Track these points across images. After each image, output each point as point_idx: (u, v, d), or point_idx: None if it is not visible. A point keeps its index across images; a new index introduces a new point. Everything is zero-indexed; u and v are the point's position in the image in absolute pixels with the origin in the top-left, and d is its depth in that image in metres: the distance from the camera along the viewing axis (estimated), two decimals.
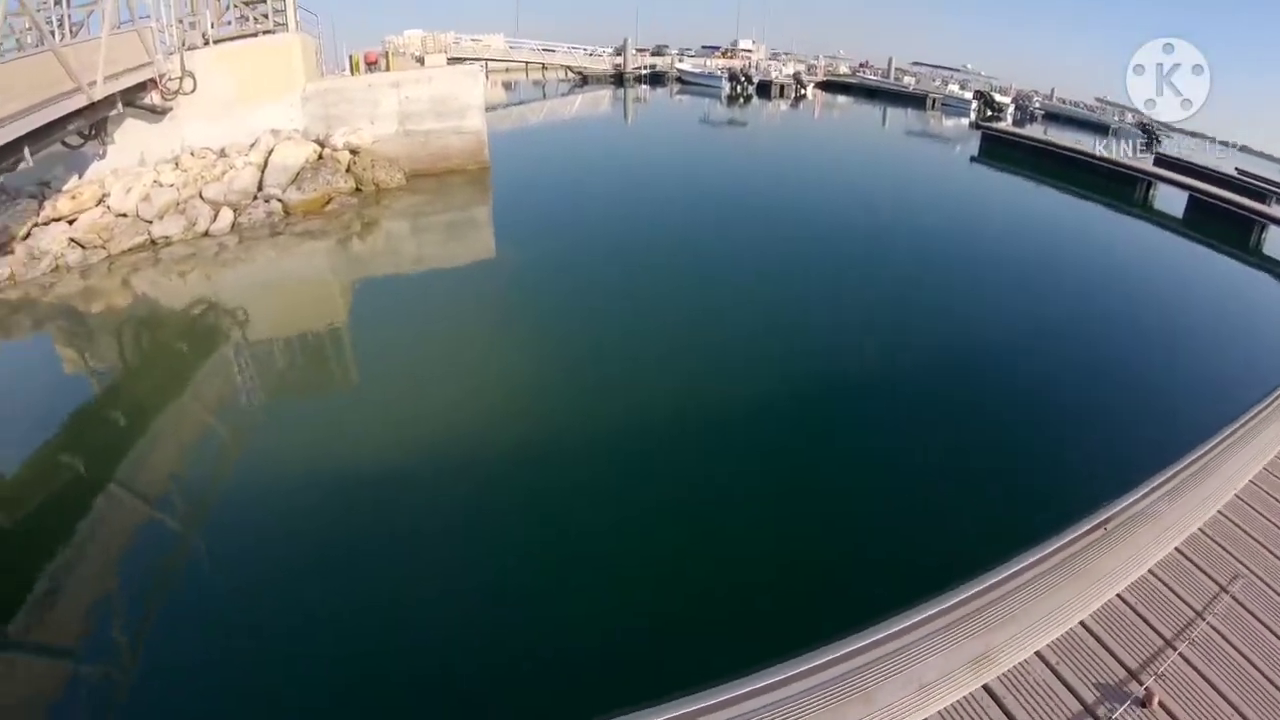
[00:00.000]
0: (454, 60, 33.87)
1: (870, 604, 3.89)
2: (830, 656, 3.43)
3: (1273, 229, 20.21)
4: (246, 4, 19.14)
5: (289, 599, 5.55)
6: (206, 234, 14.41)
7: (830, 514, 6.65)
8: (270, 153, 16.43)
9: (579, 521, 6.31)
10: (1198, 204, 22.18)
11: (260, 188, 15.80)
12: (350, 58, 23.01)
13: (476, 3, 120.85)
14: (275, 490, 7.01)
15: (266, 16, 18.70)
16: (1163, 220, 22.08)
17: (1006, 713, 3.22)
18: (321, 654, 5.07)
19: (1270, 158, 43.02)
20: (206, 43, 16.82)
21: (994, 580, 3.95)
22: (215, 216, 14.64)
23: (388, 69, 21.94)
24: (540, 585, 5.61)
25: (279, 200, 15.69)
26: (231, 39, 17.86)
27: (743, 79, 52.28)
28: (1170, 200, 23.08)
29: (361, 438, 7.88)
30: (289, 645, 5.17)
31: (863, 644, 3.51)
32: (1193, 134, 52.73)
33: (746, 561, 5.90)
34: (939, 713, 3.19)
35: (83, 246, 13.27)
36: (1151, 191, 24.51)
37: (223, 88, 16.40)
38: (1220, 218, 20.82)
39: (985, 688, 3.32)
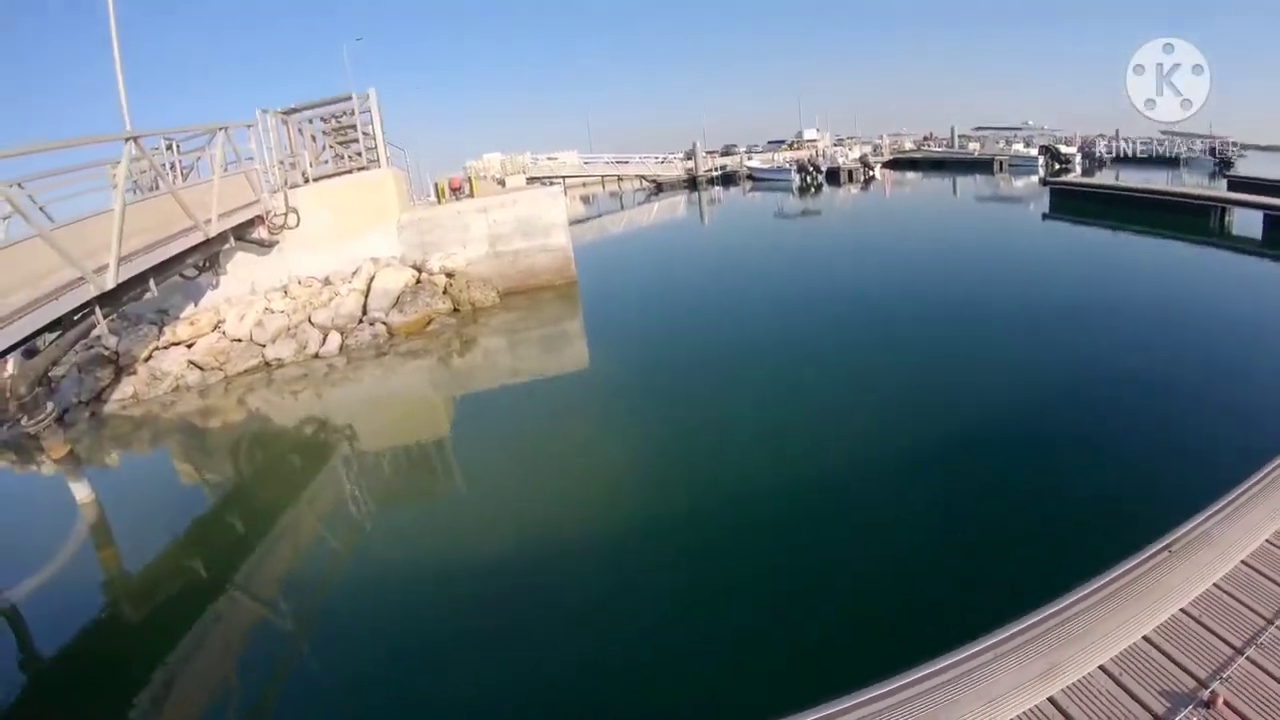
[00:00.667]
0: (532, 179, 35.43)
1: (945, 637, 4.03)
2: (901, 682, 3.65)
3: None
4: (341, 144, 20.73)
5: (393, 699, 5.82)
6: (316, 356, 15.37)
7: (905, 568, 6.74)
8: (372, 279, 17.59)
9: (665, 620, 6.42)
10: (1275, 221, 21.21)
11: (365, 311, 16.86)
12: (436, 185, 24.37)
13: (548, 121, 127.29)
14: (381, 594, 7.37)
15: (360, 155, 20.11)
16: (1239, 245, 21.49)
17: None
18: None
19: None
20: (306, 181, 18.39)
21: (1059, 605, 4.09)
22: (324, 340, 15.61)
23: (471, 193, 23.11)
24: (621, 687, 5.72)
25: (383, 323, 16.66)
26: (329, 176, 19.38)
27: (811, 169, 53.13)
28: (1249, 223, 22.29)
29: (463, 544, 8.25)
30: None
31: (933, 669, 3.72)
32: (1267, 149, 50.41)
33: (821, 648, 5.87)
34: None
35: (201, 368, 14.34)
36: (1227, 217, 23.53)
37: (323, 221, 17.79)
38: None
39: (1051, 700, 3.48)
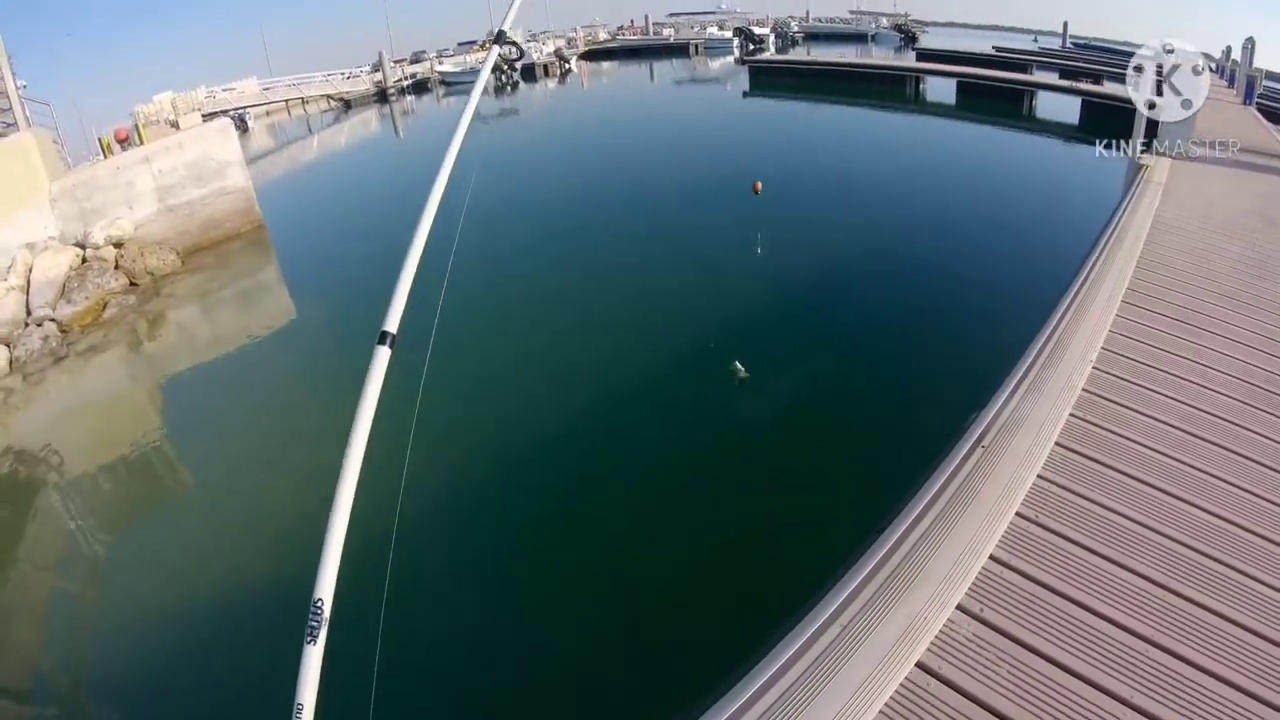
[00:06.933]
0: (209, 115, 31.84)
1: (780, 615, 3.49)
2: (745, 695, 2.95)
3: (1041, 95, 22.17)
4: None
5: None
6: None
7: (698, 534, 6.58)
8: (30, 269, 14.86)
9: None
10: (967, 88, 24.06)
11: (29, 312, 14.21)
12: (100, 141, 21.21)
13: (223, 52, 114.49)
14: (145, 618, 6.66)
15: None
16: (937, 109, 23.83)
17: (947, 682, 2.92)
18: None
19: (1023, 31, 47.31)
20: None
21: (893, 540, 3.58)
22: None
23: (141, 143, 20.31)
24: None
25: (52, 320, 14.10)
26: None
27: (505, 68, 51.76)
28: (941, 89, 24.85)
29: (203, 540, 7.67)
30: None
31: (788, 654, 3.06)
32: (947, 25, 57.66)
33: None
34: (884, 708, 2.84)
35: None
36: (921, 86, 26.19)
37: None
38: (990, 95, 22.60)
39: (919, 665, 2.98)
